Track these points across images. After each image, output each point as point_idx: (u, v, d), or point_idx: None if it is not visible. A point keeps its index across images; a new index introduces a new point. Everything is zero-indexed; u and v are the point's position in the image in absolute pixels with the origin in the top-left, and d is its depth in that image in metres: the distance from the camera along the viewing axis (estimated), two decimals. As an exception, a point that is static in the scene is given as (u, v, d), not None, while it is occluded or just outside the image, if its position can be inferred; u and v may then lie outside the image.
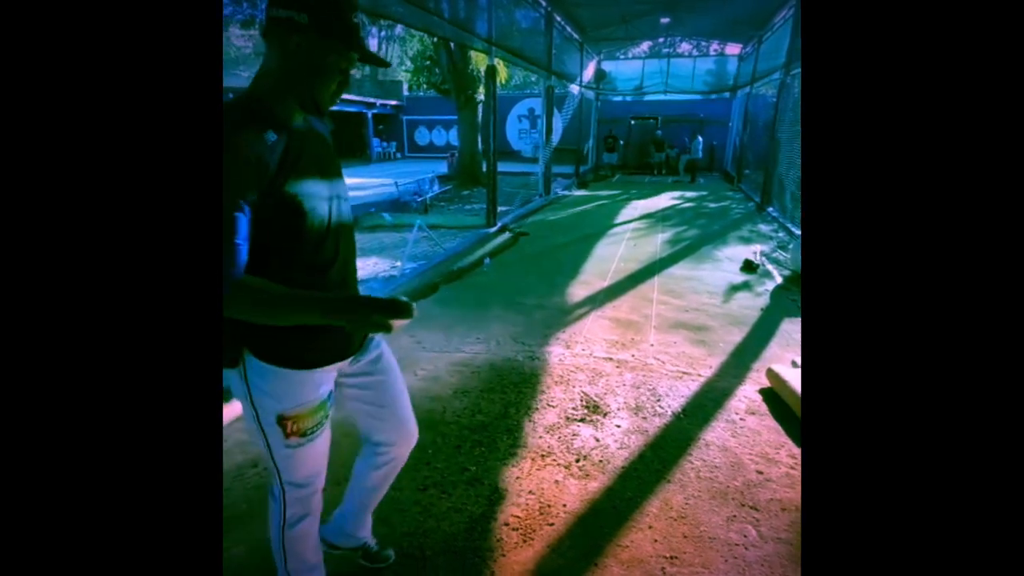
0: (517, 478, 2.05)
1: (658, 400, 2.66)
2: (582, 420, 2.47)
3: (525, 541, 1.74)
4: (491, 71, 6.82)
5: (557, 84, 10.29)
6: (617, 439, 2.32)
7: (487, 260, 5.36)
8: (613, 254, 5.78)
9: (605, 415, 2.51)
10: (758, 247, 6.08)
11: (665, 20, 11.20)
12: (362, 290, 1.36)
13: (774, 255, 5.74)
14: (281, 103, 1.03)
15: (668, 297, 4.30)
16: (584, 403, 2.62)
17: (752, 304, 4.17)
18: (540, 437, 2.33)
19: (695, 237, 6.82)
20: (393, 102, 21.31)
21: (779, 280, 4.82)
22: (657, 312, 3.95)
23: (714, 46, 16.67)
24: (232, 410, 2.49)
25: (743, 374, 2.95)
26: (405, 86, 22.21)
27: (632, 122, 17.17)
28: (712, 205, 9.88)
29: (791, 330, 3.60)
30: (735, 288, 4.60)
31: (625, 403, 2.63)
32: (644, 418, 2.49)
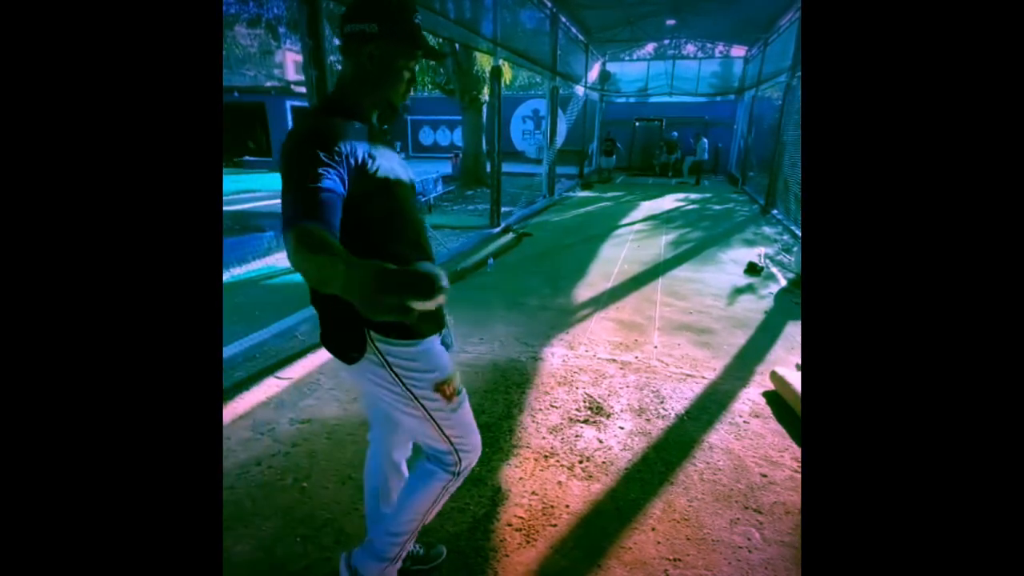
0: (520, 479, 2.05)
1: (661, 402, 2.65)
2: (585, 421, 2.46)
3: (528, 542, 1.74)
4: (496, 72, 6.82)
5: (562, 85, 10.28)
6: (620, 441, 2.31)
7: (491, 260, 5.36)
8: (617, 255, 5.77)
9: (608, 416, 2.51)
10: (762, 250, 6.06)
11: (671, 22, 11.19)
12: None
13: (778, 258, 5.72)
14: (357, 104, 1.15)
15: (672, 299, 4.30)
16: (587, 404, 2.61)
17: (756, 307, 4.16)
18: (543, 438, 2.32)
19: (699, 239, 6.80)
20: (397, 102, 21.32)
21: (783, 283, 4.80)
22: (661, 314, 3.95)
23: (719, 48, 16.59)
24: (233, 409, 2.50)
25: (747, 377, 2.94)
26: (409, 86, 22.22)
27: (637, 124, 17.16)
28: (716, 207, 9.85)
29: (795, 333, 3.59)
30: (739, 291, 4.59)
31: (628, 405, 2.62)
32: (647, 420, 2.49)
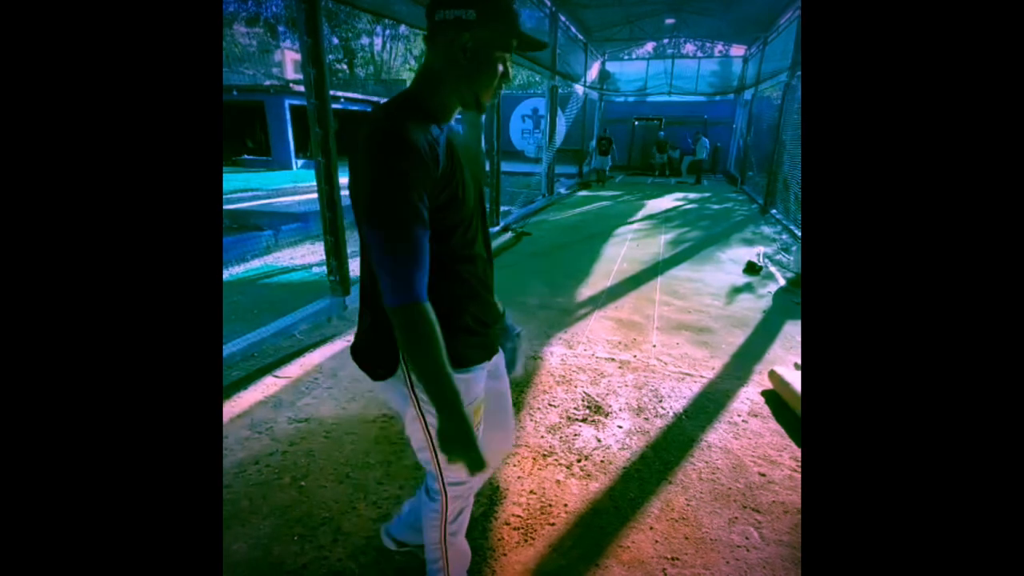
0: (518, 477, 2.04)
1: (660, 401, 2.65)
2: (584, 420, 2.46)
3: (526, 540, 1.73)
4: (495, 70, 6.80)
5: (561, 84, 10.28)
6: (619, 440, 2.31)
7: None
8: (616, 254, 5.77)
9: (607, 416, 2.50)
10: (761, 249, 6.06)
11: (670, 21, 11.20)
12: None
13: (777, 257, 5.72)
14: (442, 102, 1.04)
15: (671, 298, 4.30)
16: (586, 403, 2.61)
17: (755, 306, 4.16)
18: (542, 437, 2.32)
19: (698, 239, 6.80)
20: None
21: (782, 282, 4.81)
22: (660, 313, 3.94)
23: (719, 47, 16.61)
24: (230, 408, 2.50)
25: (745, 376, 2.94)
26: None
27: (636, 123, 17.16)
28: (715, 207, 9.86)
29: (793, 332, 3.59)
30: (738, 290, 4.59)
31: (627, 404, 2.62)
32: (646, 419, 2.49)
